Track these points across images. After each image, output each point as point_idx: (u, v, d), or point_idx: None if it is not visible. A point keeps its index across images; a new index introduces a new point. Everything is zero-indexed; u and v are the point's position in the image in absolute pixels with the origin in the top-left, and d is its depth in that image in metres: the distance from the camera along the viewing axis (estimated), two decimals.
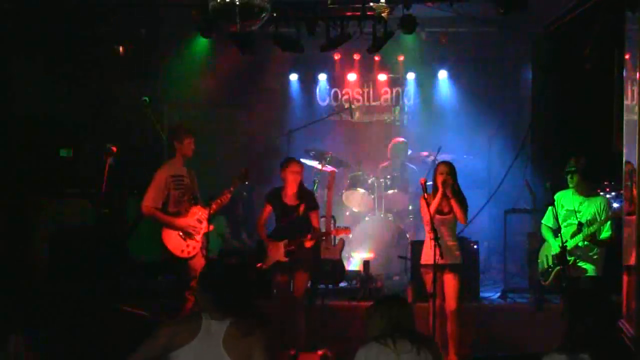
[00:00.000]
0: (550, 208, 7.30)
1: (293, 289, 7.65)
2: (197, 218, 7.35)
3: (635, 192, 6.33)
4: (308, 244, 7.56)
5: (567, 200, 7.28)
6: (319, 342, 7.57)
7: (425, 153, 10.41)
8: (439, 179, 7.23)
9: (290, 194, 7.61)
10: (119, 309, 7.43)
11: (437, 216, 7.06)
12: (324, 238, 7.94)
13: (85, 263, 8.21)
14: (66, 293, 7.80)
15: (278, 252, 7.55)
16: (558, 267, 7.15)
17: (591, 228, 7.04)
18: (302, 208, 7.56)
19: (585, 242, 7.07)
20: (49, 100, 9.26)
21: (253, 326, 3.96)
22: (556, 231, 7.18)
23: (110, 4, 8.84)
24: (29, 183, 8.89)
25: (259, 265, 7.65)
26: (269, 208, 7.72)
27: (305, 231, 7.56)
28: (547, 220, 7.41)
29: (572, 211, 7.19)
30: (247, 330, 3.91)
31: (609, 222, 7.08)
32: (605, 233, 7.10)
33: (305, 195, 7.67)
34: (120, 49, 9.43)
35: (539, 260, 7.60)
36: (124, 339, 7.39)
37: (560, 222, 7.08)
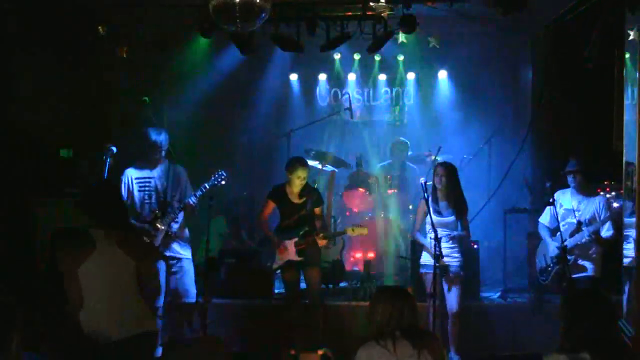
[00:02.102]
0: (548, 207, 7.32)
1: (307, 286, 7.68)
2: (157, 223, 7.35)
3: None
4: (321, 242, 7.57)
5: (566, 200, 7.31)
6: (319, 342, 7.59)
7: (425, 153, 10.42)
8: (437, 181, 7.27)
9: (295, 192, 7.63)
10: None
11: (436, 218, 7.06)
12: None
13: None
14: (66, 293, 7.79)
15: (289, 251, 7.55)
16: (558, 267, 7.16)
17: (591, 227, 7.07)
18: (308, 205, 7.57)
19: (588, 239, 7.09)
20: (49, 100, 9.24)
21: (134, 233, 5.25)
22: (554, 231, 7.21)
23: (111, 4, 8.83)
24: (29, 183, 8.88)
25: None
26: (272, 205, 7.73)
27: (312, 228, 7.57)
28: (545, 218, 7.45)
29: (571, 210, 7.22)
30: (130, 235, 5.01)
31: (609, 222, 7.10)
32: (606, 232, 7.12)
33: (310, 191, 7.67)
34: (121, 49, 9.41)
35: (536, 260, 7.63)
36: None
37: (559, 220, 7.12)
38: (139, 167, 7.52)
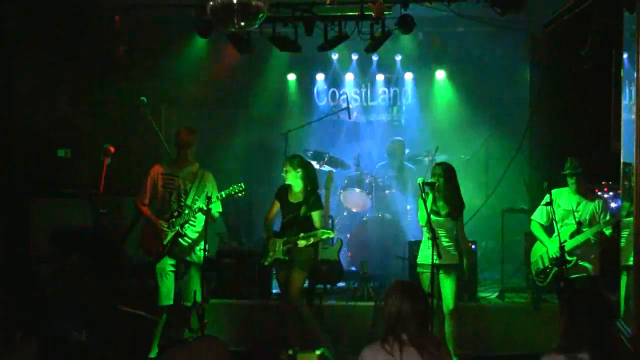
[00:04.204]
0: (542, 205, 7.31)
1: (290, 286, 7.62)
2: (170, 222, 7.36)
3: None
4: (300, 242, 7.56)
5: (564, 200, 7.28)
6: (318, 342, 7.59)
7: (423, 153, 10.42)
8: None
9: (295, 193, 7.63)
10: (118, 309, 7.45)
11: (433, 218, 7.05)
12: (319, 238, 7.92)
13: (84, 263, 8.21)
14: (65, 293, 7.80)
15: (277, 249, 7.57)
16: (557, 269, 7.15)
17: (594, 228, 7.07)
18: (302, 206, 7.57)
19: (592, 240, 7.09)
20: (48, 100, 9.25)
21: None
22: (549, 229, 7.22)
23: (110, 5, 8.83)
24: (27, 183, 8.88)
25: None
26: (277, 205, 7.73)
27: (302, 229, 7.56)
28: (541, 217, 7.42)
29: (569, 211, 7.20)
30: None
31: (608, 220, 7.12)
32: (607, 231, 7.13)
33: (308, 194, 7.66)
34: (120, 49, 9.40)
35: (532, 261, 7.61)
36: (123, 339, 7.44)
37: (556, 221, 7.10)
38: (169, 164, 7.57)
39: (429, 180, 7.17)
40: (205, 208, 7.21)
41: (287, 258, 7.56)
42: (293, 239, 7.51)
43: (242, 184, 7.38)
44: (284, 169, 7.63)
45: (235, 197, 7.47)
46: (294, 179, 7.61)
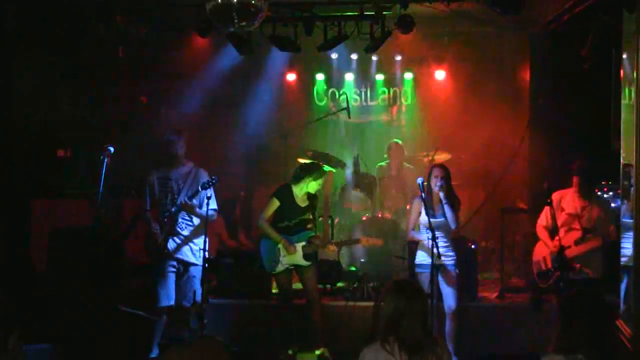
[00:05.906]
0: (546, 208, 7.30)
1: (307, 285, 7.64)
2: (163, 223, 7.39)
3: None
4: (332, 248, 7.59)
5: (568, 204, 7.24)
6: (317, 342, 7.59)
7: (422, 153, 10.41)
8: (433, 182, 7.24)
9: (300, 195, 7.59)
10: (118, 309, 7.44)
11: (431, 219, 7.05)
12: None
13: (84, 263, 8.20)
14: (65, 293, 7.80)
15: (295, 254, 7.54)
16: (559, 273, 7.13)
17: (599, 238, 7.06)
18: (311, 209, 7.57)
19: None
20: (48, 100, 9.25)
21: None
22: (552, 232, 7.19)
23: (110, 4, 8.83)
24: (27, 183, 8.88)
25: None
26: (276, 204, 7.65)
27: (311, 231, 7.58)
28: (544, 221, 7.43)
29: (574, 216, 7.15)
30: None
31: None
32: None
33: (313, 196, 7.66)
34: (120, 50, 9.41)
35: (534, 260, 7.60)
36: (123, 339, 7.44)
37: (560, 225, 7.08)
38: (162, 166, 7.56)
39: (438, 185, 7.16)
40: (188, 203, 7.23)
41: (309, 263, 7.54)
42: (321, 244, 7.52)
43: (215, 177, 7.32)
44: (319, 181, 7.61)
45: (207, 187, 7.34)
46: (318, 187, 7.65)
